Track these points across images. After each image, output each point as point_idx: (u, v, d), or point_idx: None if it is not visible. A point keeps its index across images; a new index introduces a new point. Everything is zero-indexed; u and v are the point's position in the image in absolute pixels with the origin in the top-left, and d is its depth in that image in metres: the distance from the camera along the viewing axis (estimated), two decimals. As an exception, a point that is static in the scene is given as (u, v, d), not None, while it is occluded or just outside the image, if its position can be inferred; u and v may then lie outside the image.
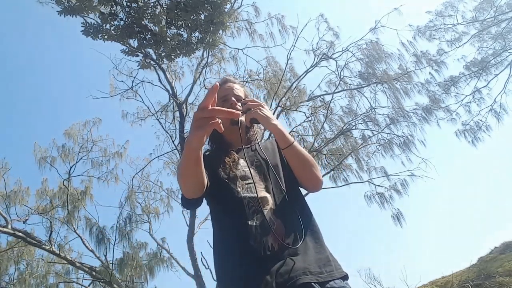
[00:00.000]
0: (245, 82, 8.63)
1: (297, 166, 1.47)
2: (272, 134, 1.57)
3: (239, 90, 1.65)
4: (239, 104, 1.55)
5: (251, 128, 1.59)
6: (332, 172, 8.87)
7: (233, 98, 1.57)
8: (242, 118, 1.47)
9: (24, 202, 8.93)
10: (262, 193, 1.38)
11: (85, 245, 8.42)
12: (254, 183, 1.40)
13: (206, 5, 3.94)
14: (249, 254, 1.30)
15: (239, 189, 1.40)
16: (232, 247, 1.38)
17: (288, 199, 1.41)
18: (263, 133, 1.57)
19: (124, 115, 9.34)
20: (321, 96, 9.40)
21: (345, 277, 1.35)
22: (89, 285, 8.52)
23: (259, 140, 1.58)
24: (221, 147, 1.58)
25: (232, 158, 1.48)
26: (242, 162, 1.48)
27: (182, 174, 1.28)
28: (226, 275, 1.37)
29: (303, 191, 1.57)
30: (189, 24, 4.08)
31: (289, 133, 1.50)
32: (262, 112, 1.44)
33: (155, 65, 6.99)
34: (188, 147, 1.15)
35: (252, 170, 1.43)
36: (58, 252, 7.77)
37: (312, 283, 1.23)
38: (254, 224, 1.33)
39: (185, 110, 8.10)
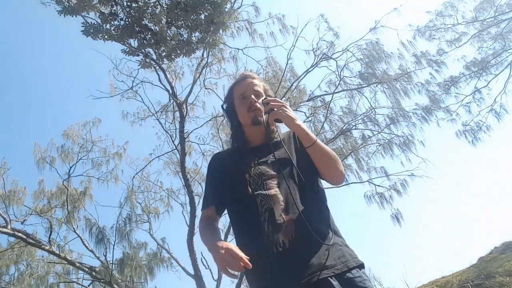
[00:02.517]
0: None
1: (321, 163, 1.47)
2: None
3: (259, 86, 1.63)
4: (259, 102, 1.55)
5: (273, 125, 1.59)
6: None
7: (252, 96, 1.56)
8: (264, 117, 1.50)
9: (22, 203, 8.91)
10: (274, 189, 1.40)
11: (85, 245, 8.43)
12: (267, 180, 1.43)
13: (206, 5, 3.93)
14: (263, 252, 1.32)
15: (253, 187, 1.43)
16: (247, 246, 1.38)
17: (301, 194, 1.42)
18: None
19: (124, 115, 9.34)
20: (321, 96, 9.40)
21: (361, 266, 1.35)
22: (89, 285, 8.51)
23: (278, 135, 1.58)
24: (241, 145, 1.61)
25: (249, 160, 1.50)
26: (258, 160, 1.50)
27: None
28: (250, 276, 1.40)
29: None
30: (189, 24, 4.07)
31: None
32: (286, 113, 1.44)
33: (155, 65, 6.99)
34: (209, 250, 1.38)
35: (266, 167, 1.46)
36: (58, 252, 7.76)
37: (329, 278, 1.24)
38: (266, 222, 1.35)
39: (185, 110, 8.09)
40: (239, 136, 1.62)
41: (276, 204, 1.37)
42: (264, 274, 1.31)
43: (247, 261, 1.20)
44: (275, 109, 1.45)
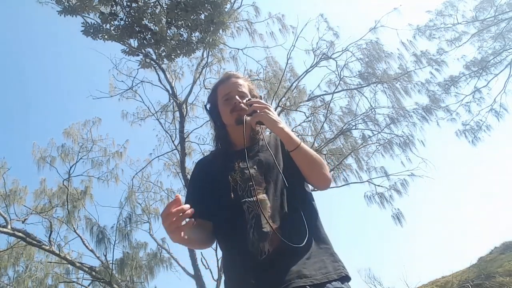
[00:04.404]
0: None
1: (305, 167, 1.42)
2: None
3: (243, 85, 1.59)
4: (244, 102, 1.51)
5: (256, 127, 1.54)
6: (332, 172, 8.87)
7: (237, 97, 1.53)
8: (248, 118, 1.44)
9: (23, 202, 8.92)
10: (261, 195, 1.36)
11: (85, 245, 8.43)
12: (253, 185, 1.38)
13: (206, 5, 3.93)
14: (247, 260, 1.30)
15: (239, 193, 1.39)
16: (232, 253, 1.39)
17: (289, 200, 1.39)
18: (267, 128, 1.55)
19: (124, 115, 9.33)
20: (321, 96, 9.40)
21: (344, 278, 1.31)
22: (89, 285, 8.52)
23: (263, 137, 1.54)
24: (225, 147, 1.57)
25: (234, 163, 1.46)
26: (242, 163, 1.45)
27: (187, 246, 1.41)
28: (229, 280, 1.39)
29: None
30: (189, 24, 4.07)
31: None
32: (268, 115, 1.39)
33: (155, 65, 6.99)
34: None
35: (252, 171, 1.41)
36: (58, 252, 7.76)
37: (307, 286, 1.21)
38: (252, 229, 1.32)
39: (185, 110, 8.09)
40: (223, 137, 1.57)
41: (264, 210, 1.33)
42: (244, 281, 1.30)
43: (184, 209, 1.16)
44: (258, 111, 1.41)
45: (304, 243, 1.29)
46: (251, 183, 1.39)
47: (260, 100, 1.50)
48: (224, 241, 1.44)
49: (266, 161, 1.45)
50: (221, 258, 7.87)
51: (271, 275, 1.25)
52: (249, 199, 1.36)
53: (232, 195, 1.38)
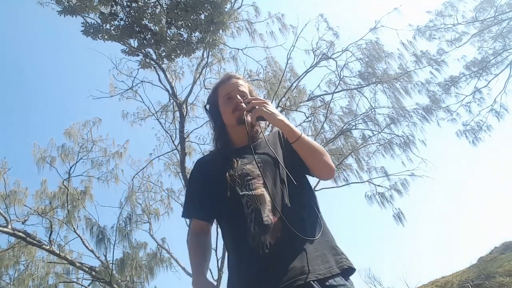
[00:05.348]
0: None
1: (308, 157, 1.45)
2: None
3: (243, 86, 1.62)
4: (244, 101, 1.53)
5: (256, 124, 1.56)
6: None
7: (238, 96, 1.55)
8: (248, 117, 1.47)
9: (23, 202, 8.91)
10: (260, 190, 1.38)
11: (85, 245, 8.42)
12: (252, 180, 1.40)
13: (206, 5, 3.94)
14: (249, 254, 1.30)
15: (237, 188, 1.40)
16: (233, 249, 1.40)
17: (289, 194, 1.40)
18: (266, 127, 1.58)
19: (124, 115, 9.33)
20: (321, 96, 9.41)
21: (347, 271, 1.31)
22: (89, 285, 8.52)
23: (262, 135, 1.56)
24: (224, 146, 1.59)
25: (232, 160, 1.48)
26: (242, 160, 1.47)
27: None
28: (232, 277, 1.39)
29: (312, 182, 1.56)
30: (189, 24, 4.07)
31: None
32: (267, 109, 1.43)
33: (155, 65, 6.99)
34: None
35: (251, 167, 1.43)
36: (58, 252, 7.76)
37: (311, 282, 1.21)
38: (252, 223, 1.32)
39: (185, 110, 8.09)
40: (223, 137, 1.59)
41: (263, 204, 1.34)
42: (247, 276, 1.30)
43: None
44: (257, 107, 1.44)
45: (306, 236, 1.30)
46: (249, 177, 1.41)
47: (258, 97, 1.53)
48: (227, 238, 1.46)
49: (265, 156, 1.47)
50: (220, 258, 7.89)
51: (274, 272, 1.24)
52: (248, 192, 1.38)
53: (229, 193, 1.40)
